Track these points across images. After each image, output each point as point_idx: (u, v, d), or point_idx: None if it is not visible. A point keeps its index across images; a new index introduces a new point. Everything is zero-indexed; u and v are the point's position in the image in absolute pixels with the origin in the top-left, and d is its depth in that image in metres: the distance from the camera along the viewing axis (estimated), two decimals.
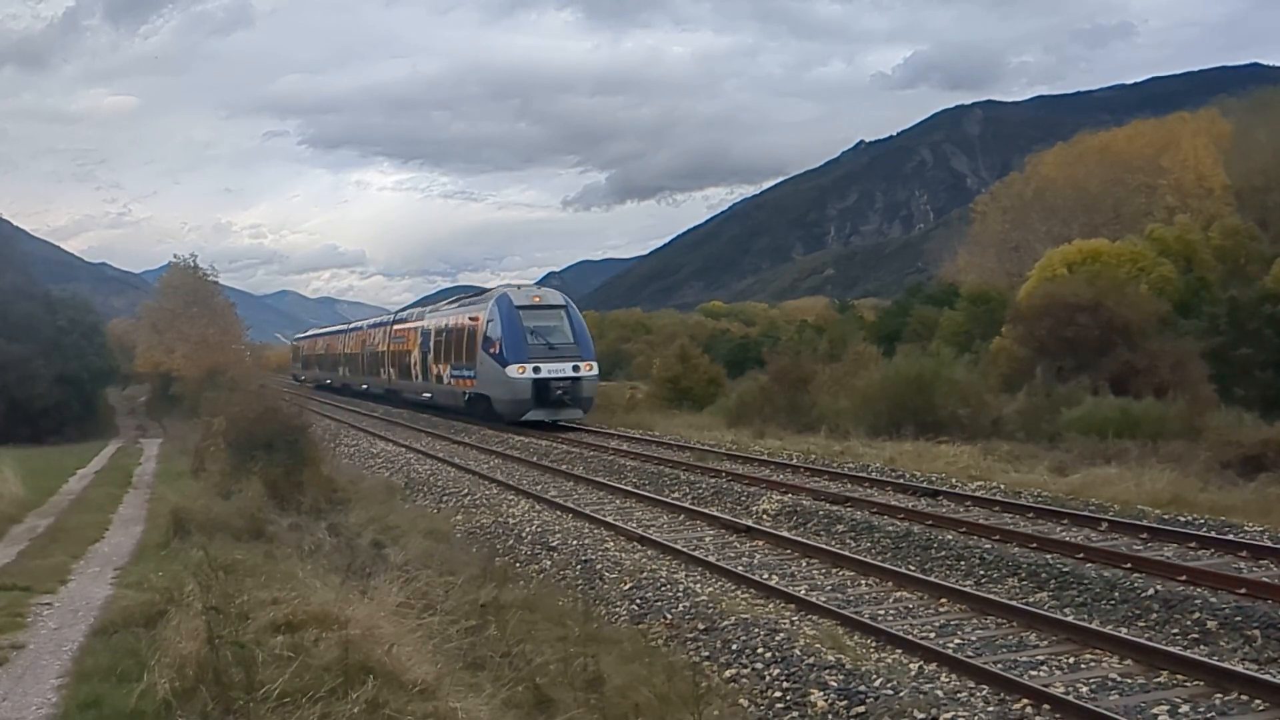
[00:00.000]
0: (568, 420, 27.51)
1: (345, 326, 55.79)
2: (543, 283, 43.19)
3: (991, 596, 9.81)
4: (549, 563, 12.38)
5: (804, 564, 11.65)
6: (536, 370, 26.92)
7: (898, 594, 10.20)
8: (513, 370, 27.02)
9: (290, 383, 63.22)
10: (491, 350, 28.05)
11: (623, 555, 12.21)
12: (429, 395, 35.05)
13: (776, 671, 7.96)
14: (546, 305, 28.92)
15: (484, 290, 33.23)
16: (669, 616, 9.66)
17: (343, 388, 51.99)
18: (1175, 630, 8.70)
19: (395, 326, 40.98)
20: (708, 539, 13.17)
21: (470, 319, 30.27)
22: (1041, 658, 8.14)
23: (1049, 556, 10.79)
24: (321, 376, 59.24)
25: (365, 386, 46.10)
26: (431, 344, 34.35)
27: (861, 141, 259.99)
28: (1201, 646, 8.30)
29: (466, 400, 30.69)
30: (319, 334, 65.53)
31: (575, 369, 27.33)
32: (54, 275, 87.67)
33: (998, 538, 11.84)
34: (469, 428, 29.56)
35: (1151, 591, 9.37)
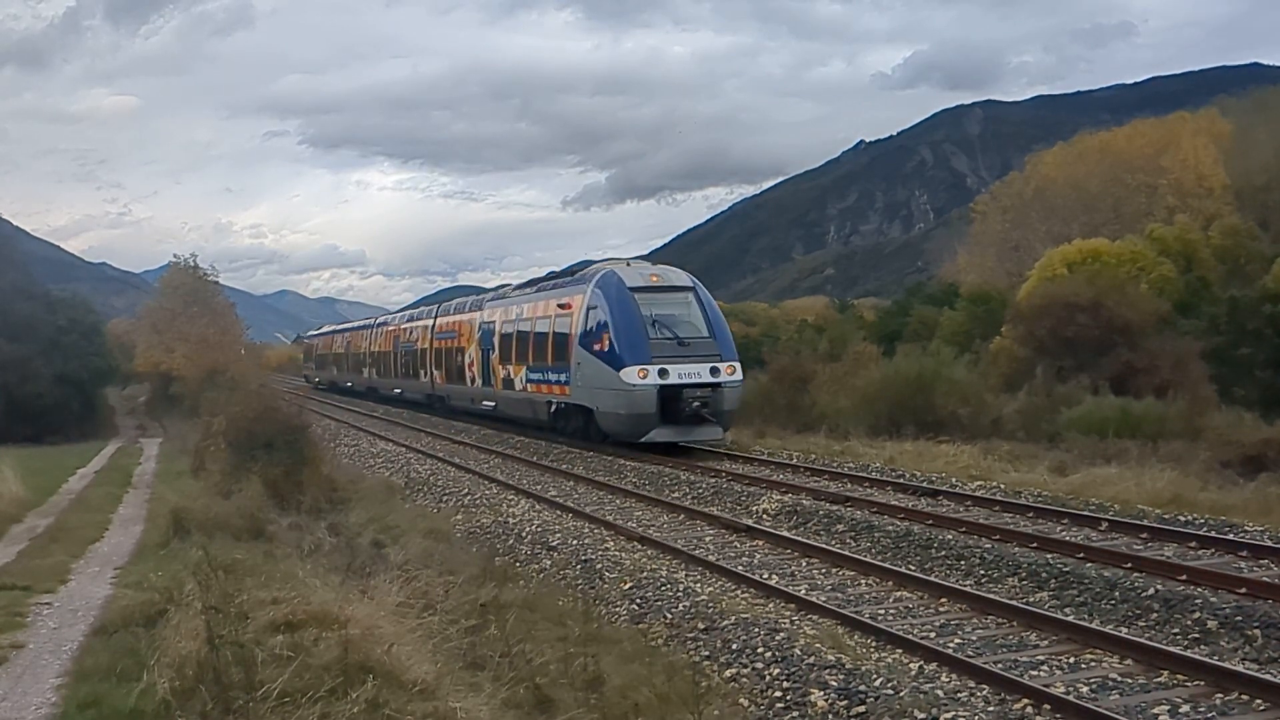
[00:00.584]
0: (703, 443, 20.85)
1: (370, 321, 49.20)
2: None
3: (992, 596, 9.80)
4: (549, 562, 12.37)
5: (804, 564, 11.65)
6: (663, 374, 20.04)
7: (898, 593, 10.19)
8: (630, 374, 20.08)
9: (303, 386, 62.00)
10: (596, 347, 21.19)
11: (623, 555, 12.21)
12: (491, 404, 28.27)
13: (777, 671, 7.96)
14: (669, 286, 22.05)
15: (571, 271, 25.86)
16: (669, 616, 9.66)
17: (368, 391, 45.58)
18: (1176, 630, 8.69)
19: (442, 319, 34.41)
20: (708, 538, 13.16)
21: (560, 306, 23.32)
22: (1042, 657, 8.14)
23: (1049, 556, 10.78)
24: (340, 379, 52.61)
25: (399, 391, 39.79)
26: (496, 340, 27.52)
27: (861, 141, 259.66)
28: (1202, 646, 8.29)
29: (553, 412, 23.93)
30: (337, 330, 57.59)
31: (714, 372, 20.42)
32: (54, 275, 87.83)
33: (998, 537, 11.83)
34: (469, 427, 29.43)
35: (1152, 591, 9.36)
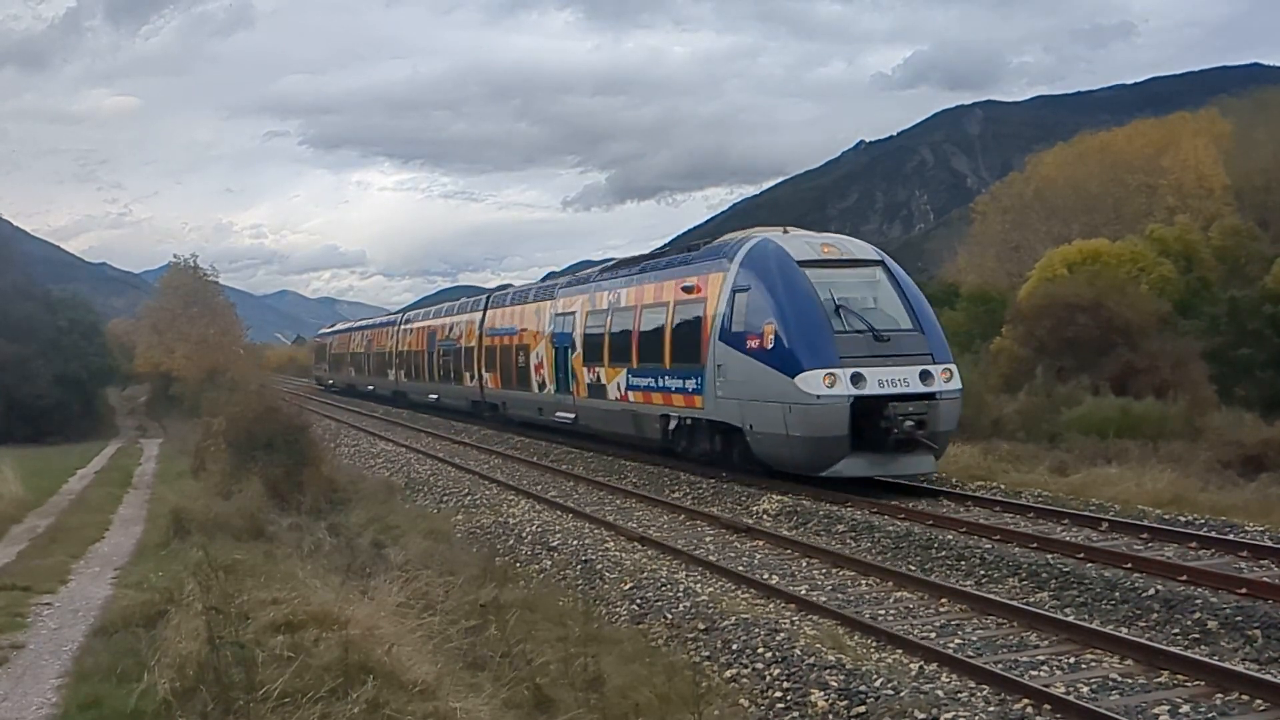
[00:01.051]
0: (914, 478, 15.48)
1: (396, 316, 44.11)
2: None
3: (992, 596, 9.80)
4: (549, 562, 12.38)
5: (804, 564, 11.65)
6: (857, 381, 14.55)
7: (898, 594, 10.20)
8: (811, 381, 14.60)
9: (304, 386, 61.48)
10: (752, 344, 15.70)
11: (623, 555, 12.22)
12: (569, 416, 22.96)
13: (777, 671, 7.96)
14: (850, 259, 16.61)
15: (691, 245, 20.05)
16: (669, 616, 9.66)
17: (395, 397, 40.90)
18: (1176, 630, 8.68)
19: (495, 311, 29.12)
20: (708, 539, 13.17)
21: (685, 290, 17.90)
22: (1042, 658, 8.14)
23: (1049, 556, 10.78)
24: (360, 381, 48.21)
25: (435, 397, 35.01)
26: (578, 335, 22.25)
27: (862, 141, 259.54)
28: (1202, 646, 8.29)
29: (671, 430, 18.46)
30: (356, 327, 52.36)
31: (925, 378, 14.92)
32: (54, 275, 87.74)
33: (998, 538, 11.83)
34: (469, 427, 29.42)
35: (1152, 591, 9.36)
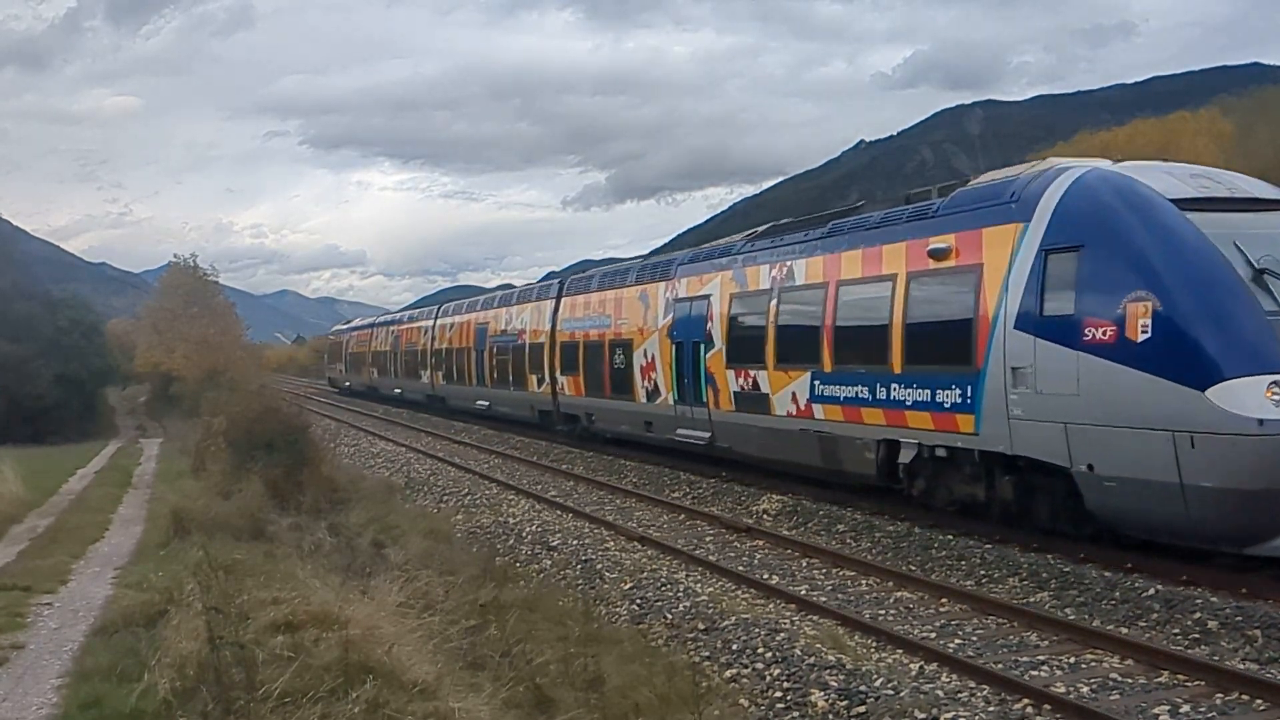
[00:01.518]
0: None
1: (432, 309, 38.14)
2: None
3: (992, 596, 9.81)
4: (549, 562, 12.38)
5: (804, 564, 11.66)
6: None
7: (898, 594, 10.20)
8: (1241, 393, 9.07)
9: (305, 386, 61.25)
10: (1098, 334, 10.08)
11: (623, 555, 12.23)
12: (700, 436, 17.76)
13: (777, 671, 7.96)
14: (1249, 199, 10.94)
15: (908, 201, 13.78)
16: (669, 616, 9.66)
17: (429, 401, 36.45)
18: (1176, 630, 8.67)
19: (574, 299, 23.86)
20: (708, 539, 13.18)
21: (933, 254, 12.23)
22: (1042, 658, 8.14)
23: (1050, 557, 10.78)
24: (386, 384, 42.97)
25: (485, 404, 30.04)
26: (717, 326, 17.04)
27: (862, 141, 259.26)
28: (1202, 646, 8.28)
29: (909, 463, 12.80)
30: (380, 323, 46.69)
31: None
32: (54, 275, 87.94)
33: (999, 538, 11.83)
34: (469, 427, 29.38)
35: (1152, 591, 9.36)
